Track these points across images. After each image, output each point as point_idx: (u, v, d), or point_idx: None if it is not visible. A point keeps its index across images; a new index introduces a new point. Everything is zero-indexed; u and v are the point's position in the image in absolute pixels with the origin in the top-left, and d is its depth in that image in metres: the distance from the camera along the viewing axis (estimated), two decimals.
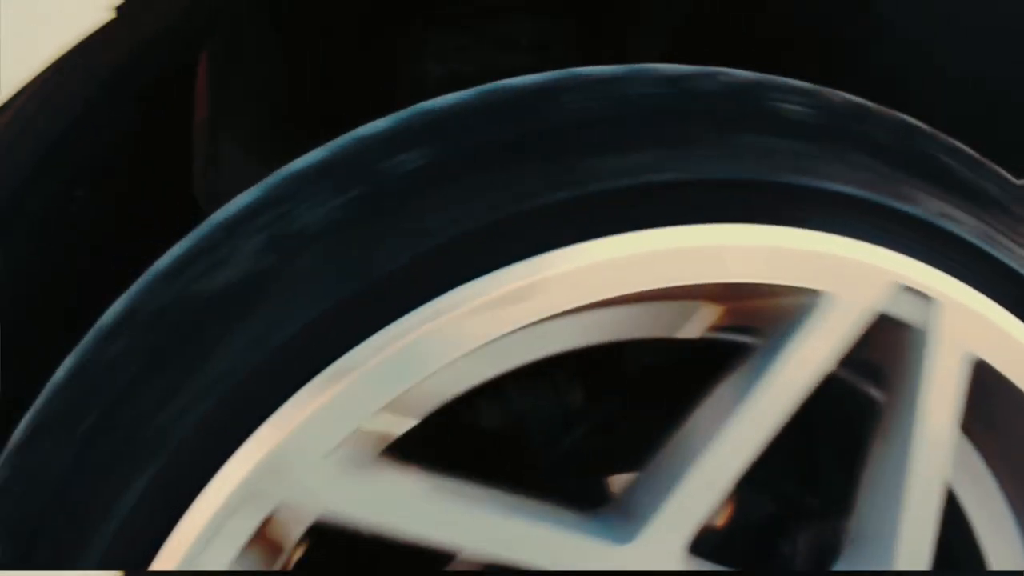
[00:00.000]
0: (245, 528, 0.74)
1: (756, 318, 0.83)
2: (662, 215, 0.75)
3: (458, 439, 1.07)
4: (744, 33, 1.18)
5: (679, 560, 0.79)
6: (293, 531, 0.83)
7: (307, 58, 1.22)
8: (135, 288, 0.75)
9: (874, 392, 0.91)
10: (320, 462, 0.73)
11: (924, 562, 0.83)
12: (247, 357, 0.72)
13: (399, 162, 0.74)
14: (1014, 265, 0.83)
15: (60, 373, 0.75)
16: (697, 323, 0.85)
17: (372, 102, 1.18)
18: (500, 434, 1.09)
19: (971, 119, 0.89)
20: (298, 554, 0.89)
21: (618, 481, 1.00)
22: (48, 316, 1.06)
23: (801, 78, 0.83)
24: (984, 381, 0.84)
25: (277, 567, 0.81)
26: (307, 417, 0.73)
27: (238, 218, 0.74)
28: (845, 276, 0.77)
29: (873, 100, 0.84)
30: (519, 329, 0.78)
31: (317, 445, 0.73)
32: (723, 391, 0.82)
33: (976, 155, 0.84)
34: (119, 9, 0.72)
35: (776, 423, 0.80)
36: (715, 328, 0.85)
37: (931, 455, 0.82)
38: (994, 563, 0.94)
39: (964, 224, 0.80)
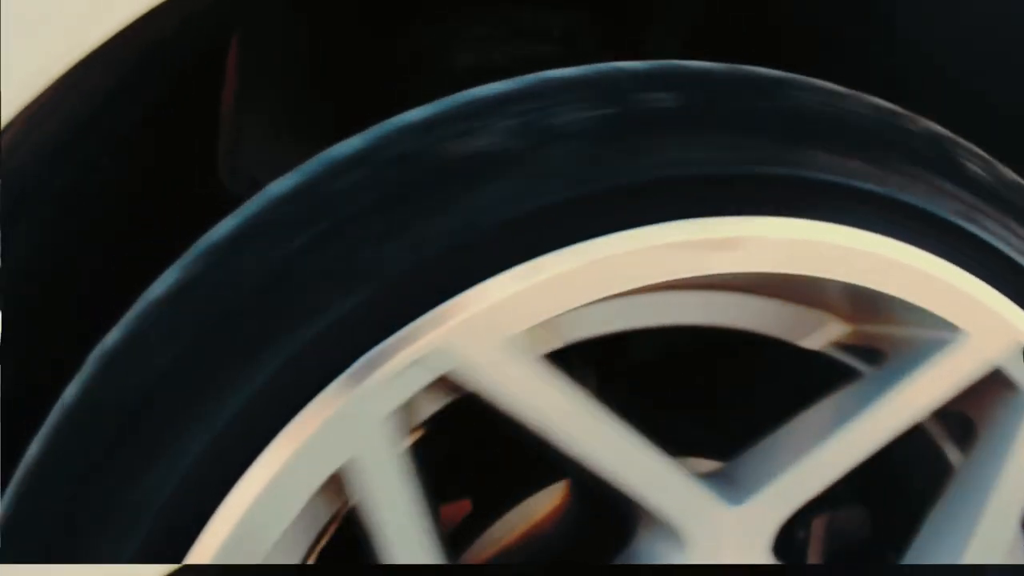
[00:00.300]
0: (420, 380, 0.76)
1: (882, 342, 0.91)
2: (852, 218, 0.83)
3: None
4: (751, 30, 1.23)
5: (774, 532, 0.85)
6: (425, 411, 0.85)
7: (334, 44, 1.24)
8: (374, 132, 0.79)
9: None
10: (505, 341, 0.77)
11: None
12: (478, 222, 0.76)
13: (651, 98, 0.80)
14: None
15: (279, 187, 0.77)
16: (823, 335, 0.92)
17: (398, 89, 1.24)
18: None
19: (971, 119, 0.94)
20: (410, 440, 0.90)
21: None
22: (48, 316, 1.05)
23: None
24: None
25: (401, 444, 0.83)
26: (508, 296, 0.77)
27: (496, 99, 0.79)
28: (986, 322, 0.86)
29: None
30: (673, 289, 0.85)
31: (508, 324, 0.77)
32: (837, 402, 0.89)
33: None
34: None
35: (883, 441, 0.87)
36: (837, 345, 0.93)
37: (1003, 515, 0.90)
38: None
39: None
